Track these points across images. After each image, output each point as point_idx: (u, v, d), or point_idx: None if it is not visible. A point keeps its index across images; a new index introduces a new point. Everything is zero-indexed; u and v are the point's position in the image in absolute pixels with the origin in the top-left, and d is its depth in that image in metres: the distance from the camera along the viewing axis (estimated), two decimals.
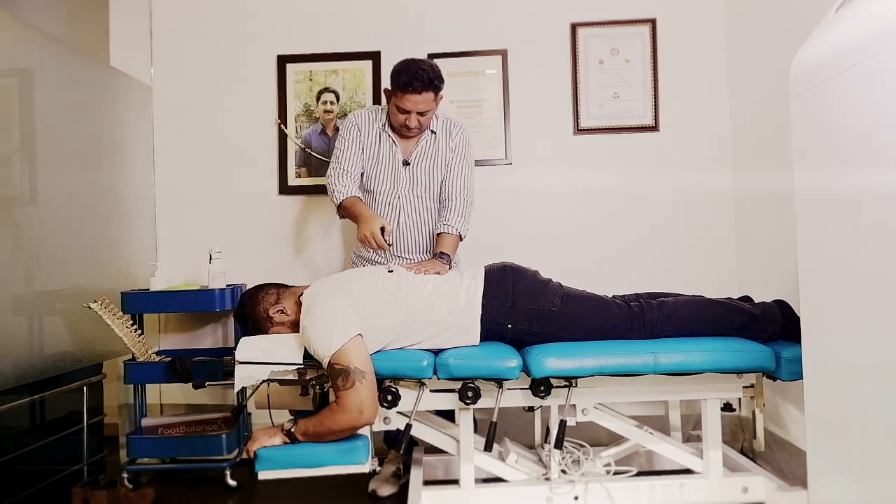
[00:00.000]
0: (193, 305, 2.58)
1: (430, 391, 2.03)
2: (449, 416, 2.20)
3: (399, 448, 2.04)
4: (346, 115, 3.09)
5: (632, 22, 3.05)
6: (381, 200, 2.49)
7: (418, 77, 2.28)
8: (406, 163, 2.47)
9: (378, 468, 2.00)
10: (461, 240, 2.46)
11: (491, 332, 2.04)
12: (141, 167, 3.06)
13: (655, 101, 3.04)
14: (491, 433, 1.95)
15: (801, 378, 1.66)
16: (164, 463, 2.59)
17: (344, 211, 2.42)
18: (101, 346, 2.61)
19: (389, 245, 2.29)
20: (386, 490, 2.39)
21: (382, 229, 2.25)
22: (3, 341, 2.14)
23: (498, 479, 2.13)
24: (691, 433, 2.58)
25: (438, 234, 2.43)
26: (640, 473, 2.14)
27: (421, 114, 2.36)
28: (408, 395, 2.01)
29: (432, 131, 2.49)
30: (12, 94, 2.27)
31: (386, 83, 3.07)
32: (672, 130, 3.04)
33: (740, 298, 2.25)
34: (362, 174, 2.50)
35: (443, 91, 2.38)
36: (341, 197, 2.41)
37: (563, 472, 2.07)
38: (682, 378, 2.03)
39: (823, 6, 1.64)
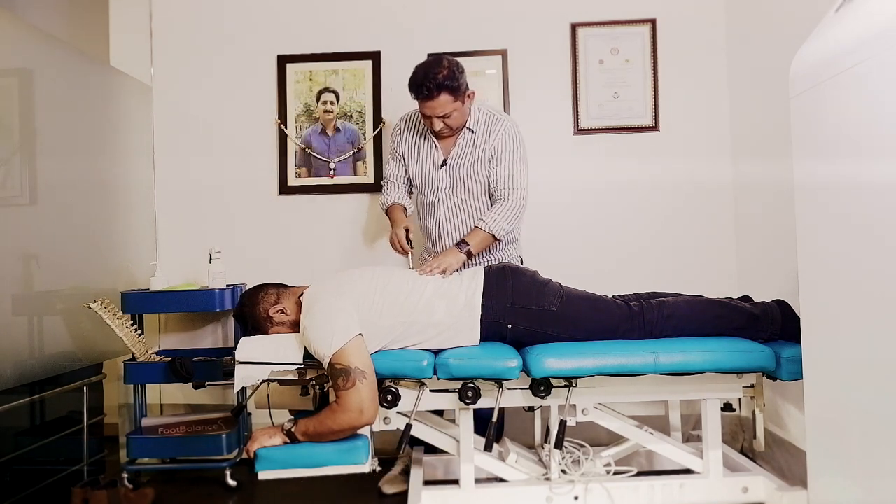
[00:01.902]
0: (193, 305, 2.58)
1: (430, 391, 2.03)
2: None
3: (399, 448, 2.04)
4: (346, 115, 3.11)
5: (632, 22, 3.05)
6: (424, 201, 2.50)
7: (427, 84, 2.23)
8: (444, 163, 2.43)
9: (378, 468, 2.00)
10: (496, 239, 2.34)
11: (491, 332, 2.04)
12: (141, 167, 3.05)
13: (655, 101, 3.04)
14: (491, 433, 1.95)
15: (801, 378, 1.67)
16: (164, 463, 2.59)
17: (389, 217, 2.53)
18: (101, 346, 2.61)
19: (411, 248, 2.37)
20: (390, 489, 2.42)
21: (408, 231, 2.36)
22: (3, 341, 2.14)
23: (498, 479, 2.13)
24: (691, 433, 2.58)
25: (473, 227, 2.35)
26: (640, 473, 2.14)
27: (444, 116, 2.30)
28: (408, 395, 2.01)
29: (470, 129, 2.40)
30: (12, 94, 2.27)
31: (385, 83, 3.10)
32: (672, 130, 3.04)
33: (740, 298, 2.25)
34: (408, 176, 2.54)
35: (468, 88, 2.31)
36: (383, 206, 2.54)
37: (563, 472, 2.07)
38: (682, 378, 2.03)
39: (823, 6, 1.64)
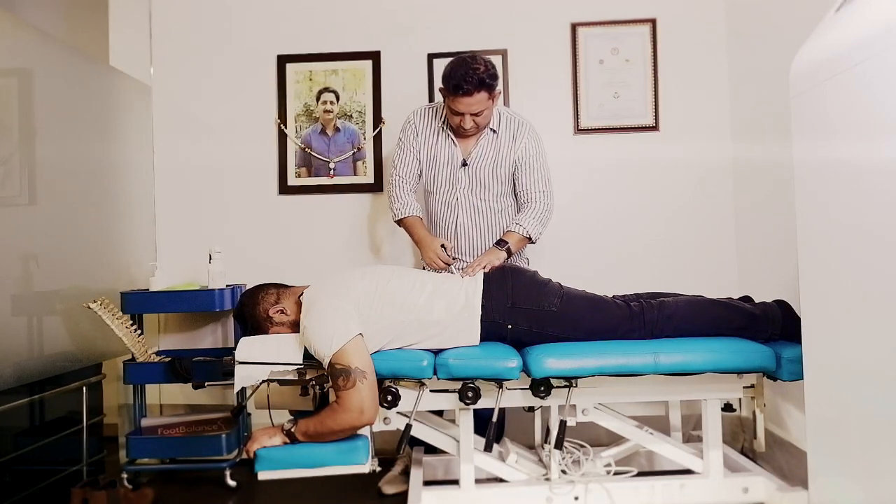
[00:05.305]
0: (193, 305, 2.58)
1: (430, 391, 2.03)
2: None
3: (399, 448, 2.04)
4: (346, 115, 3.10)
5: (632, 22, 3.05)
6: (439, 200, 2.46)
7: (468, 79, 2.19)
8: (464, 163, 2.40)
9: (378, 468, 2.00)
10: (531, 241, 2.39)
11: (491, 332, 2.04)
12: (140, 166, 3.05)
13: (655, 101, 3.04)
14: (491, 433, 1.95)
15: (802, 378, 1.66)
16: (164, 463, 2.59)
17: (404, 227, 2.48)
18: (101, 346, 2.61)
19: (454, 259, 2.36)
20: (390, 489, 2.42)
21: (444, 247, 2.32)
22: (3, 341, 2.14)
23: (498, 480, 2.13)
24: (691, 433, 2.57)
25: (507, 231, 2.38)
26: (640, 474, 2.14)
27: (476, 114, 2.28)
28: (408, 395, 2.01)
29: (492, 130, 2.39)
30: (12, 94, 2.27)
31: (385, 83, 3.10)
32: (672, 130, 3.04)
33: (740, 298, 2.25)
34: (420, 174, 2.48)
35: (499, 87, 2.30)
36: (400, 215, 2.45)
37: (563, 472, 2.07)
38: (683, 378, 2.03)
39: (823, 6, 1.64)
